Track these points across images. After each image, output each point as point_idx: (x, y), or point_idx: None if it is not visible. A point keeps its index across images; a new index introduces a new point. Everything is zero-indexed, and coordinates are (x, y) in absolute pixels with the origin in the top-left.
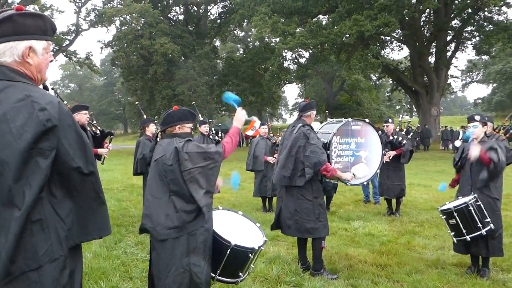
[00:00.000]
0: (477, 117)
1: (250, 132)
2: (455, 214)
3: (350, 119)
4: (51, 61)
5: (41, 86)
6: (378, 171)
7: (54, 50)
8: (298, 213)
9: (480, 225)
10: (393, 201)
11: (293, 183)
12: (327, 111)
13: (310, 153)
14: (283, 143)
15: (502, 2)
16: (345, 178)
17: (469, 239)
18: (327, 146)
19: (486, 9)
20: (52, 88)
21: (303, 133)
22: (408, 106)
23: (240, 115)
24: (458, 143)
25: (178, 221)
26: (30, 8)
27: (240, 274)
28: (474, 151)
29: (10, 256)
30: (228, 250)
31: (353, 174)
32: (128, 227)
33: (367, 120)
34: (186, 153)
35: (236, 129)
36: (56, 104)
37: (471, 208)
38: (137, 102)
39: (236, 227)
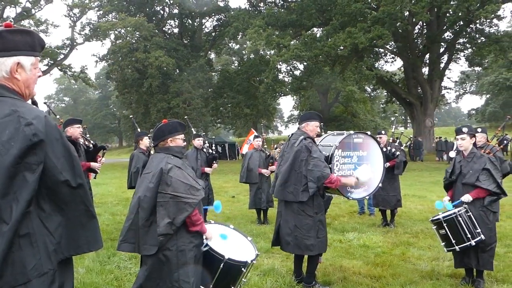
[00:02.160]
0: (464, 129)
1: (245, 147)
2: (444, 224)
3: (352, 132)
4: (39, 76)
5: (30, 101)
6: (381, 184)
7: (49, 64)
8: (298, 229)
9: (469, 235)
10: (388, 212)
11: (297, 199)
12: (322, 123)
13: (313, 167)
14: (283, 155)
15: (492, 15)
16: (349, 184)
17: (458, 249)
18: (329, 160)
19: (477, 21)
20: (45, 103)
21: (305, 146)
22: (403, 117)
23: (211, 234)
24: (452, 153)
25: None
26: (26, 22)
27: None
28: (466, 199)
29: None
30: (221, 264)
31: (356, 178)
32: None
33: (369, 132)
34: (170, 176)
35: (204, 231)
36: (43, 119)
37: (460, 218)
38: (131, 116)
39: (228, 241)
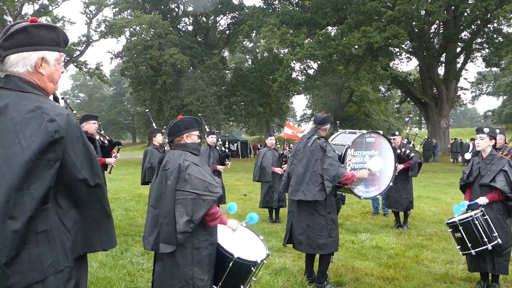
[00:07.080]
0: (486, 130)
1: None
2: (460, 227)
3: (364, 131)
4: (63, 72)
5: (51, 97)
6: (391, 183)
7: (65, 60)
8: (310, 228)
9: (486, 239)
10: (401, 213)
11: (307, 198)
12: (337, 122)
13: (328, 166)
14: (296, 155)
15: (511, 15)
16: (363, 177)
17: (474, 253)
18: (341, 159)
19: (495, 21)
20: (62, 98)
21: (319, 145)
22: (417, 118)
23: (234, 225)
24: (468, 155)
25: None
26: (43, 19)
27: (242, 287)
28: (481, 201)
29: (11, 268)
30: (231, 263)
31: (368, 169)
32: (134, 237)
33: (381, 132)
34: (189, 173)
35: (225, 222)
36: (65, 116)
37: (477, 222)
38: (147, 110)
39: (240, 239)
